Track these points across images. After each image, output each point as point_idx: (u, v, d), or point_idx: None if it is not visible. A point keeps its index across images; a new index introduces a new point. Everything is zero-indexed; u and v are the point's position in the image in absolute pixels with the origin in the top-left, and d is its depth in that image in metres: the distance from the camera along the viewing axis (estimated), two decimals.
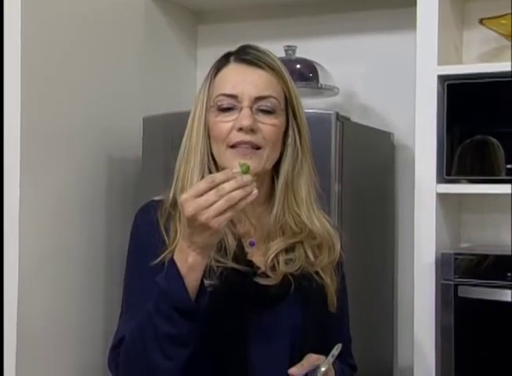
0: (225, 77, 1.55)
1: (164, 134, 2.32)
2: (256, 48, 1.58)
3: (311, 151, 1.61)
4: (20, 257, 2.15)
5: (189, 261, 1.36)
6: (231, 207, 1.30)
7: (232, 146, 1.51)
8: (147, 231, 1.53)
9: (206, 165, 1.54)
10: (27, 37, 2.15)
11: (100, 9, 2.45)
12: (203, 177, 1.50)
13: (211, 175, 1.39)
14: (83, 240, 2.40)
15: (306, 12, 2.79)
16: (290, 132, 1.57)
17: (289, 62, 2.44)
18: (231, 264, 1.49)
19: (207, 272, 1.43)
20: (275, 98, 1.53)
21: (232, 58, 1.57)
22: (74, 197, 2.36)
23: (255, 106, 1.51)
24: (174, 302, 1.35)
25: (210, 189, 1.30)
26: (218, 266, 1.47)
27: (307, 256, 1.57)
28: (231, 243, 1.51)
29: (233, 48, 1.61)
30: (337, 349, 1.49)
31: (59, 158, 2.30)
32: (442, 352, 2.19)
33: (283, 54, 2.47)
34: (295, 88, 1.59)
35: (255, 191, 1.33)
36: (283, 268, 1.53)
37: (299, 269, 1.55)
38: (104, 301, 2.47)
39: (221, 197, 1.29)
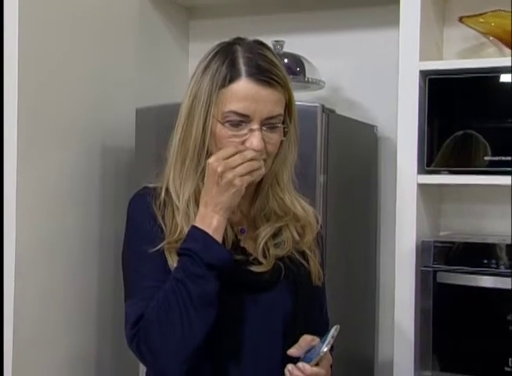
0: (238, 93, 1.50)
1: (157, 124, 2.33)
2: (266, 59, 1.54)
3: (298, 142, 1.64)
4: (17, 243, 2.16)
5: (214, 223, 1.46)
6: (250, 172, 1.46)
7: None
8: (144, 217, 1.54)
9: (201, 160, 1.53)
10: (25, 29, 2.16)
11: (95, 5, 2.46)
12: (202, 173, 1.52)
13: (235, 145, 1.49)
14: (77, 227, 2.41)
15: (294, 8, 2.82)
16: (287, 134, 1.58)
17: (281, 67, 2.50)
18: None
19: None
20: (281, 115, 1.54)
21: (243, 71, 1.51)
22: (69, 184, 2.37)
23: (264, 125, 1.51)
24: (212, 262, 1.43)
25: (235, 154, 1.45)
26: None
27: (293, 238, 1.60)
28: (229, 234, 1.53)
29: None
30: (336, 330, 1.48)
31: (55, 147, 2.31)
32: (421, 335, 2.23)
33: (271, 48, 2.50)
34: (291, 87, 1.59)
35: (263, 169, 1.49)
36: (273, 252, 1.56)
37: (288, 251, 1.58)
38: (98, 285, 2.49)
39: (244, 161, 1.45)
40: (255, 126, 1.50)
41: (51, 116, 2.29)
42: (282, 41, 2.53)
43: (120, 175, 2.60)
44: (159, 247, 1.49)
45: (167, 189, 1.56)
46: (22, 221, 2.18)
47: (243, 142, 1.50)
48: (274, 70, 1.53)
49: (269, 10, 2.87)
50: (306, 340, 1.51)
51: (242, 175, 1.45)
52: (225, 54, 1.54)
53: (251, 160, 1.46)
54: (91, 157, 2.48)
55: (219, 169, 1.44)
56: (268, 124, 1.51)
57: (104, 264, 2.50)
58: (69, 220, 2.38)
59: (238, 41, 1.58)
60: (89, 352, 2.46)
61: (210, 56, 1.56)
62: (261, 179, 1.60)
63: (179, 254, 1.46)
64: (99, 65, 2.50)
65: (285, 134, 1.57)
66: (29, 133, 2.21)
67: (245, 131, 1.50)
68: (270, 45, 2.43)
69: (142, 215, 1.56)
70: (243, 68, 1.51)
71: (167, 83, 2.80)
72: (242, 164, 1.45)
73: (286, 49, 2.53)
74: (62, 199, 2.35)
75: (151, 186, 1.60)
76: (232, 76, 1.51)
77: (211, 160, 1.46)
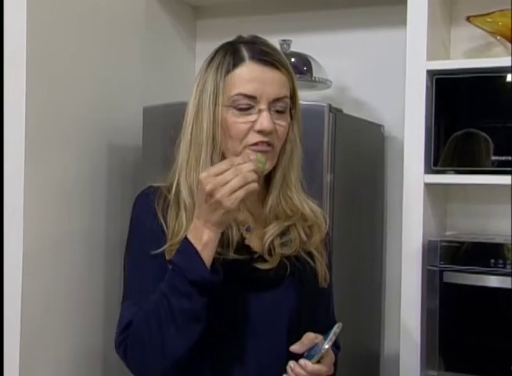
0: (243, 76, 1.51)
1: (163, 123, 2.33)
2: (266, 44, 1.57)
3: (302, 140, 1.64)
4: (24, 242, 2.16)
5: (204, 238, 1.40)
6: (243, 186, 1.37)
7: (249, 145, 1.51)
8: (147, 218, 1.54)
9: (214, 156, 1.53)
10: (32, 29, 2.17)
11: (102, 5, 2.47)
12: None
13: (231, 158, 1.43)
14: (83, 226, 2.41)
15: (301, 7, 2.82)
16: (291, 127, 1.59)
17: (284, 55, 2.50)
18: (232, 255, 1.51)
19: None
20: (287, 97, 1.55)
21: (246, 55, 1.53)
22: (76, 183, 2.37)
23: (272, 108, 1.51)
24: (194, 279, 1.38)
25: (227, 170, 1.37)
26: (219, 257, 1.48)
27: (300, 238, 1.60)
28: (234, 235, 1.53)
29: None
30: (338, 328, 1.49)
31: (62, 146, 2.31)
32: (427, 335, 2.23)
33: (278, 48, 2.49)
34: (295, 78, 1.60)
35: (256, 184, 1.40)
36: (279, 251, 1.56)
37: (295, 250, 1.58)
38: (104, 285, 2.49)
39: (237, 176, 1.37)
40: (263, 106, 1.50)
41: (58, 115, 2.29)
42: (289, 40, 2.53)
43: (126, 173, 2.60)
44: (160, 250, 1.48)
45: (173, 189, 1.56)
46: (29, 219, 2.18)
47: (251, 126, 1.50)
48: (277, 54, 1.56)
49: (276, 9, 2.87)
50: (309, 337, 1.52)
51: (233, 192, 1.37)
52: (227, 47, 1.57)
53: (250, 171, 1.39)
54: (97, 155, 2.48)
55: (208, 187, 1.37)
56: (275, 106, 1.52)
57: (110, 263, 2.51)
58: (75, 219, 2.38)
59: (239, 37, 1.61)
60: (95, 349, 2.47)
61: (213, 53, 1.58)
62: (271, 178, 1.60)
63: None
64: (106, 64, 2.50)
65: (291, 118, 1.58)
66: (36, 132, 2.21)
67: (253, 116, 1.50)
68: (277, 44, 2.48)
69: (144, 215, 1.56)
70: (246, 54, 1.54)
71: (174, 82, 2.79)
72: (234, 178, 1.37)
73: (293, 49, 2.54)
74: (68, 198, 2.35)
75: (156, 185, 1.60)
76: (235, 62, 1.53)
77: (202, 176, 1.40)
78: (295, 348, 1.51)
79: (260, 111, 1.50)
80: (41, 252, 2.24)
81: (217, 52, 1.57)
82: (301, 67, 2.50)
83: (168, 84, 2.78)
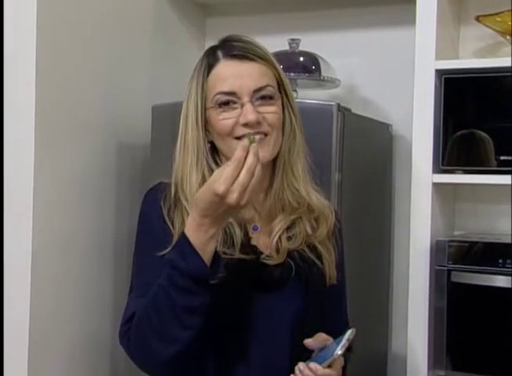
0: (219, 75, 1.55)
1: (172, 121, 2.22)
2: (240, 40, 1.59)
3: (302, 129, 1.65)
4: (33, 238, 2.17)
5: (210, 232, 1.39)
6: (251, 178, 1.35)
7: (239, 137, 1.52)
8: (154, 215, 1.56)
9: (204, 163, 1.56)
10: (43, 26, 2.17)
11: (111, 3, 2.47)
12: (203, 175, 1.54)
13: (235, 156, 1.36)
14: (92, 223, 2.42)
15: (310, 6, 2.82)
16: (286, 113, 1.60)
17: (292, 54, 2.49)
18: (238, 255, 1.52)
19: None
20: (271, 86, 1.55)
21: (220, 54, 1.57)
22: (85, 181, 2.37)
23: (255, 98, 1.53)
24: (194, 277, 1.38)
25: (240, 169, 1.35)
26: (224, 256, 1.49)
27: (306, 231, 1.60)
28: (238, 234, 1.54)
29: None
30: (351, 334, 1.48)
31: (71, 144, 2.31)
32: (435, 335, 2.23)
33: (287, 47, 2.50)
34: (278, 65, 1.61)
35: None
36: (285, 245, 1.57)
37: (300, 244, 1.59)
38: (113, 281, 2.50)
39: (243, 170, 1.35)
40: (245, 99, 1.52)
41: (67, 113, 2.30)
42: (298, 39, 2.53)
43: (135, 172, 2.61)
44: (166, 251, 1.48)
45: (173, 192, 1.58)
46: (38, 216, 2.19)
47: (237, 120, 1.52)
48: (250, 46, 1.57)
49: (285, 8, 2.87)
50: (322, 337, 1.53)
51: (245, 189, 1.35)
52: (207, 51, 1.62)
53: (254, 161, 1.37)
54: (106, 154, 2.49)
55: (221, 190, 1.34)
56: (259, 97, 1.53)
57: (118, 259, 2.52)
58: (84, 216, 2.39)
59: (220, 40, 1.64)
60: (104, 343, 2.48)
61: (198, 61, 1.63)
62: (273, 170, 1.61)
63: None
64: (116, 63, 2.51)
65: (283, 109, 1.59)
66: (46, 130, 2.21)
67: (238, 110, 1.52)
68: (286, 43, 2.49)
69: (151, 212, 1.58)
70: (219, 53, 1.58)
71: (183, 81, 2.69)
72: (241, 173, 1.35)
73: (301, 48, 2.53)
74: (77, 195, 2.36)
75: (166, 181, 1.62)
76: (211, 64, 1.57)
77: (222, 190, 1.34)
78: (309, 342, 1.52)
79: (242, 105, 1.52)
80: (50, 249, 2.24)
81: (201, 59, 1.62)
82: (310, 66, 2.50)
83: (177, 82, 2.73)
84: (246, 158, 1.36)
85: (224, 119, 1.53)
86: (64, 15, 2.27)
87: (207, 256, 1.40)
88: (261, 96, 1.54)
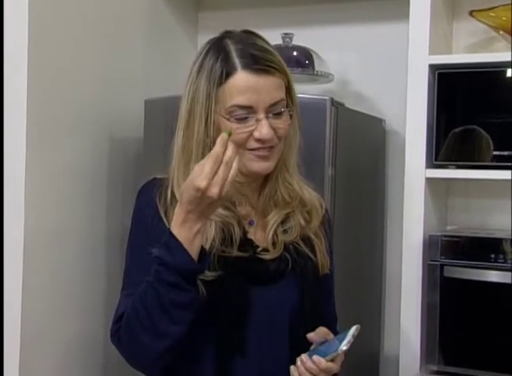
0: (237, 87, 1.51)
1: (165, 116, 2.30)
2: (257, 47, 1.54)
3: (301, 127, 1.65)
4: (25, 233, 2.17)
5: (195, 227, 1.40)
6: (230, 171, 1.37)
7: (251, 149, 1.53)
8: (148, 212, 1.56)
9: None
10: (35, 21, 2.17)
11: None
12: None
13: (213, 151, 1.38)
14: (85, 218, 2.41)
15: (303, 1, 2.81)
16: (291, 123, 1.59)
17: (286, 49, 2.48)
18: (236, 253, 1.52)
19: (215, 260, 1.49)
20: (283, 99, 1.55)
21: (238, 63, 1.51)
22: (77, 175, 2.37)
23: (269, 113, 1.52)
24: (181, 271, 1.39)
25: (219, 163, 1.37)
26: (223, 255, 1.51)
27: (300, 224, 1.61)
28: (237, 232, 1.54)
29: None
30: (356, 330, 1.48)
31: (64, 138, 2.31)
32: (428, 329, 2.24)
33: (280, 41, 2.50)
34: (289, 71, 1.60)
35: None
36: (282, 238, 1.58)
37: (296, 237, 1.60)
38: (105, 276, 2.50)
39: (222, 165, 1.37)
40: (261, 115, 1.51)
41: (60, 107, 2.30)
42: (291, 33, 2.53)
43: (128, 166, 2.60)
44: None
45: (169, 189, 1.57)
46: (30, 211, 2.19)
47: (251, 133, 1.51)
48: (268, 56, 1.54)
49: (278, 2, 2.87)
50: (323, 330, 1.55)
51: (224, 181, 1.37)
52: (217, 50, 1.55)
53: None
54: (99, 148, 2.48)
55: (203, 185, 1.35)
56: (272, 111, 1.53)
57: (111, 254, 2.51)
58: (76, 210, 2.38)
59: (227, 34, 1.58)
60: (96, 340, 2.47)
61: (202, 55, 1.57)
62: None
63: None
64: (108, 57, 2.50)
65: (291, 117, 1.58)
66: (38, 124, 2.21)
67: (252, 122, 1.51)
68: (279, 37, 2.48)
69: (146, 209, 1.57)
70: (237, 61, 1.52)
71: (176, 74, 2.70)
72: (220, 168, 1.37)
73: (295, 42, 2.54)
74: (69, 189, 2.35)
75: (160, 177, 1.61)
76: (228, 71, 1.52)
77: (203, 185, 1.36)
78: (312, 336, 1.53)
79: (258, 120, 1.51)
80: (42, 244, 2.24)
81: (206, 54, 1.56)
82: (303, 61, 2.50)
83: (170, 76, 2.78)
84: (224, 152, 1.37)
85: (239, 132, 1.51)
86: (57, 10, 2.26)
87: (193, 251, 1.41)
88: (274, 112, 1.53)
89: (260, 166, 1.55)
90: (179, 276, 1.40)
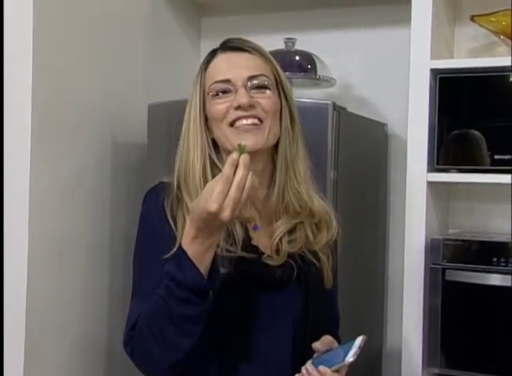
0: (216, 66, 1.59)
1: (168, 120, 2.33)
2: (239, 38, 1.62)
3: (302, 132, 1.66)
4: (29, 238, 2.16)
5: (206, 243, 1.40)
6: (242, 192, 1.34)
7: (233, 125, 1.54)
8: (156, 217, 1.55)
9: (206, 151, 1.57)
10: (39, 23, 2.17)
11: (108, 3, 2.48)
12: (204, 165, 1.55)
13: (223, 172, 1.35)
14: (88, 222, 2.41)
15: (306, 6, 2.82)
16: (283, 113, 1.61)
17: (288, 53, 2.49)
18: (239, 253, 1.52)
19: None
20: (266, 76, 1.58)
21: (218, 50, 1.61)
22: (81, 180, 2.37)
23: (249, 85, 1.55)
24: (191, 288, 1.39)
25: (230, 185, 1.34)
26: (226, 255, 1.50)
27: (307, 236, 1.61)
28: (239, 232, 1.54)
29: None
30: (362, 341, 1.48)
31: (67, 143, 2.31)
32: (430, 333, 2.24)
33: (282, 46, 2.51)
34: (276, 63, 1.63)
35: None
36: (286, 248, 1.57)
37: (300, 248, 1.59)
38: (109, 279, 2.50)
39: (233, 187, 1.34)
40: (239, 84, 1.54)
41: (63, 112, 2.30)
42: (293, 38, 2.54)
43: (131, 170, 2.60)
44: (170, 254, 1.47)
45: (178, 186, 1.57)
46: (34, 216, 2.19)
47: (231, 105, 1.54)
48: (247, 42, 1.61)
49: (281, 8, 2.87)
50: (327, 339, 1.55)
51: (237, 204, 1.34)
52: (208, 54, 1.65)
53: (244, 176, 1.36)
54: (102, 152, 2.48)
55: (213, 209, 1.33)
56: (254, 86, 1.56)
57: (114, 259, 2.51)
58: (80, 214, 2.38)
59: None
60: (99, 343, 2.48)
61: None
62: (274, 170, 1.61)
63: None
64: (111, 61, 2.51)
65: (281, 107, 1.60)
66: (41, 129, 2.21)
67: (231, 95, 1.55)
68: (281, 42, 2.49)
69: (153, 214, 1.57)
70: (218, 49, 1.62)
71: (179, 79, 2.79)
72: (231, 190, 1.34)
73: (297, 47, 2.54)
74: (73, 194, 2.35)
75: (166, 181, 1.61)
76: (209, 60, 1.61)
77: (215, 208, 1.34)
78: (317, 345, 1.53)
79: (236, 90, 1.54)
80: (46, 248, 2.24)
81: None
82: (306, 66, 2.51)
83: (173, 81, 2.79)
84: (235, 172, 1.35)
85: (217, 104, 1.56)
86: (60, 13, 2.27)
87: (203, 267, 1.41)
88: (256, 86, 1.56)
89: (246, 140, 1.47)
90: (189, 292, 1.39)
